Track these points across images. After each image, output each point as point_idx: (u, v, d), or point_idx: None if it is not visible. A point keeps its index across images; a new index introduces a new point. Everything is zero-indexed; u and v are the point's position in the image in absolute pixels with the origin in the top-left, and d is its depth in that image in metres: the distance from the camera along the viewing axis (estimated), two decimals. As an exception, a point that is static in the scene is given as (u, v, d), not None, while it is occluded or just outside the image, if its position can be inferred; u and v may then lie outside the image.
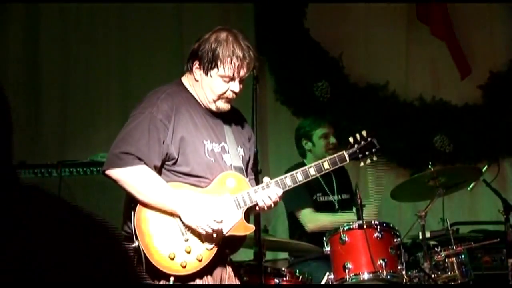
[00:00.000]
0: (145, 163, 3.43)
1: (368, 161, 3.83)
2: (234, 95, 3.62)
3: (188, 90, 3.65)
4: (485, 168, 5.37)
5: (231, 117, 3.72)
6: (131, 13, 6.65)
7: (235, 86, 3.58)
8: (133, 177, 3.42)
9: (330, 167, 3.74)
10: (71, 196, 5.54)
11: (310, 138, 5.55)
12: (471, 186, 5.38)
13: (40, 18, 6.47)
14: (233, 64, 3.53)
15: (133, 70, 6.63)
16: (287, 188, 3.64)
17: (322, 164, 3.72)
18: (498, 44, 7.17)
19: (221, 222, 3.46)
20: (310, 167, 3.69)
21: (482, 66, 7.11)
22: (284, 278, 4.73)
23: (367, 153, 3.82)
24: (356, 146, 3.81)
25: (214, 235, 3.45)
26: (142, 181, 3.42)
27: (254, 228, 3.61)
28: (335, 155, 3.78)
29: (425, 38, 7.10)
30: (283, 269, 4.84)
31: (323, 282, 4.70)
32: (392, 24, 7.12)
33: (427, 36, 7.08)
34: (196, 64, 3.59)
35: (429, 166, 5.00)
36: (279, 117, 6.90)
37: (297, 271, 4.81)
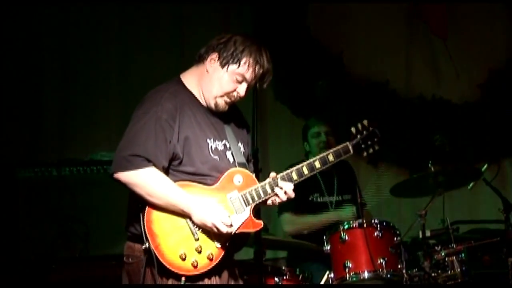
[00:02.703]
0: (154, 164, 3.42)
1: (371, 151, 3.80)
2: (238, 98, 3.60)
3: (188, 89, 3.62)
4: (485, 167, 5.37)
5: (229, 113, 3.69)
6: (132, 14, 6.66)
7: (243, 90, 3.56)
8: (143, 180, 3.41)
9: (334, 159, 3.70)
10: (71, 195, 5.55)
11: (306, 139, 5.57)
12: (471, 185, 5.39)
13: (41, 17, 6.47)
14: (256, 69, 3.52)
15: (133, 69, 6.64)
16: (294, 182, 3.61)
17: (327, 157, 3.69)
18: (497, 43, 7.17)
19: (230, 224, 3.46)
20: (315, 160, 3.66)
21: (481, 65, 7.12)
22: (284, 277, 4.74)
23: (369, 143, 3.78)
24: (358, 136, 3.77)
25: (225, 231, 3.46)
26: (153, 183, 3.41)
27: (262, 224, 3.60)
28: (339, 146, 3.74)
29: (425, 37, 7.11)
30: (283, 268, 4.85)
31: (323, 281, 4.71)
32: (393, 23, 7.12)
33: (427, 34, 7.09)
34: (213, 55, 3.55)
35: (429, 165, 5.00)
36: (279, 116, 6.90)
37: (297, 270, 4.82)
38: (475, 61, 7.10)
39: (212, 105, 3.59)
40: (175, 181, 3.47)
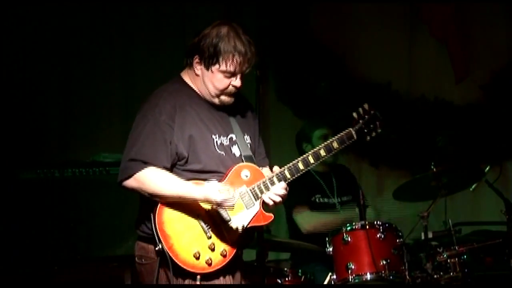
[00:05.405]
0: (152, 166, 3.43)
1: (374, 134, 3.78)
2: (237, 89, 3.60)
3: (189, 86, 3.64)
4: (487, 169, 5.36)
5: (234, 105, 3.69)
6: (134, 13, 6.65)
7: (237, 81, 3.57)
8: (144, 181, 3.43)
9: (339, 146, 3.69)
10: (73, 197, 5.55)
11: (309, 140, 5.56)
12: (473, 187, 5.38)
13: (42, 18, 6.47)
14: (235, 60, 3.51)
15: (135, 69, 6.64)
16: (300, 173, 3.62)
17: (331, 144, 3.69)
18: (499, 44, 7.16)
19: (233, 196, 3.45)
20: (320, 148, 3.67)
21: (483, 66, 7.11)
22: (287, 279, 4.74)
23: (371, 126, 3.77)
24: (361, 121, 3.76)
25: (239, 226, 3.47)
26: (154, 182, 3.42)
27: (273, 216, 3.62)
28: (342, 133, 3.72)
29: (428, 38, 7.10)
30: (286, 269, 4.85)
31: (325, 283, 4.71)
32: (395, 24, 7.11)
33: (430, 36, 7.08)
34: (196, 59, 3.57)
35: (431, 167, 5.00)
36: (281, 117, 6.90)
37: (299, 271, 4.82)
38: (478, 62, 7.08)
39: (217, 103, 3.61)
40: None
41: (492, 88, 7.09)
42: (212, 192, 3.41)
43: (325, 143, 3.70)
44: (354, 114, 3.77)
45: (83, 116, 6.49)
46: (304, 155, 3.65)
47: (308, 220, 5.35)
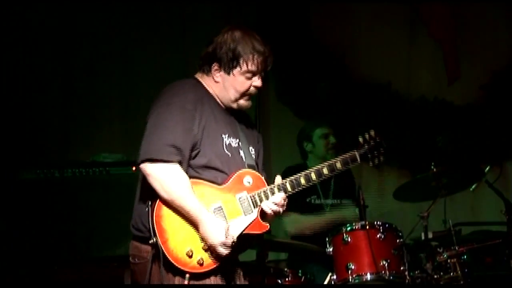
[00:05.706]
0: (181, 156, 3.43)
1: (376, 161, 3.87)
2: (257, 91, 3.67)
3: (205, 87, 3.68)
4: (487, 169, 5.36)
5: (242, 117, 3.77)
6: (133, 13, 6.66)
7: (258, 82, 3.64)
8: (167, 175, 3.41)
9: (342, 167, 3.77)
10: (73, 197, 5.55)
11: (310, 139, 5.57)
12: (473, 187, 5.39)
13: (42, 18, 6.47)
14: (255, 59, 3.59)
15: (135, 69, 6.64)
16: (301, 187, 3.67)
17: (335, 164, 3.76)
18: (500, 44, 7.16)
19: (233, 243, 3.46)
20: (324, 166, 3.72)
21: (483, 66, 7.11)
22: (287, 279, 4.74)
23: (375, 153, 3.86)
24: (366, 146, 3.84)
25: (223, 254, 3.47)
26: (174, 182, 3.41)
27: (269, 226, 3.64)
28: (346, 155, 3.80)
29: (428, 39, 7.10)
30: (286, 269, 4.85)
31: (325, 283, 4.71)
32: (395, 24, 7.12)
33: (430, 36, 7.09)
34: (215, 66, 3.63)
35: (432, 167, 5.00)
36: (281, 117, 6.91)
37: (300, 271, 4.82)
38: (478, 62, 7.09)
39: (235, 107, 3.68)
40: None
41: (492, 88, 7.09)
42: (213, 241, 3.44)
43: (329, 162, 3.76)
44: (360, 139, 3.86)
45: (83, 116, 6.49)
46: (307, 171, 3.70)
47: (294, 223, 5.36)
